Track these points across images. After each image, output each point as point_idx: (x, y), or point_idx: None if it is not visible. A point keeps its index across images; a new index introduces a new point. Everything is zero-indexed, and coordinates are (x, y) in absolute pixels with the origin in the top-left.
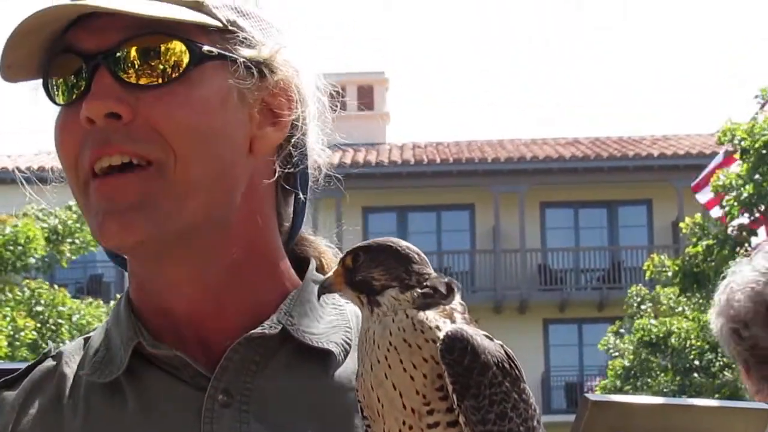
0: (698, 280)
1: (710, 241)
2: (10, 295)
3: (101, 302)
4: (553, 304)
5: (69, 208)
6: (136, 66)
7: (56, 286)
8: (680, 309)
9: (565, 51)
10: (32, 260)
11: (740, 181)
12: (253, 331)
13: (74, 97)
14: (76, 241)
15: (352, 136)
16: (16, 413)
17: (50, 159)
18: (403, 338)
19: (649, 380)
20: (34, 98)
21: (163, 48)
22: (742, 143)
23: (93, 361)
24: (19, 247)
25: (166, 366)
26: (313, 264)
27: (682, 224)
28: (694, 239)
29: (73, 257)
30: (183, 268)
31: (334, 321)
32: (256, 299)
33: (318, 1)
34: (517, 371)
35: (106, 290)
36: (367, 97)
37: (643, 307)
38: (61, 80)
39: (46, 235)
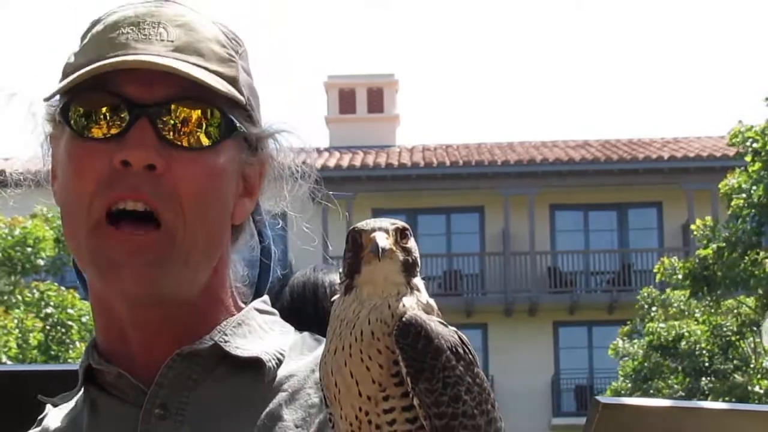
0: (708, 283)
1: (721, 244)
2: (19, 297)
3: None
4: (563, 306)
5: None
6: (178, 126)
7: (64, 288)
8: (691, 312)
9: (575, 53)
10: (41, 262)
11: (750, 183)
12: (183, 348)
13: (104, 135)
14: None
15: (362, 139)
16: None
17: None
18: (371, 330)
19: (660, 383)
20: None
21: (204, 115)
22: (754, 145)
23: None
24: (29, 249)
25: (115, 391)
26: (264, 297)
27: (693, 226)
28: (705, 242)
29: None
30: (157, 312)
31: (275, 341)
32: (202, 330)
33: (328, 4)
34: (470, 356)
35: None
36: (377, 99)
37: (653, 309)
38: (87, 113)
39: (55, 236)
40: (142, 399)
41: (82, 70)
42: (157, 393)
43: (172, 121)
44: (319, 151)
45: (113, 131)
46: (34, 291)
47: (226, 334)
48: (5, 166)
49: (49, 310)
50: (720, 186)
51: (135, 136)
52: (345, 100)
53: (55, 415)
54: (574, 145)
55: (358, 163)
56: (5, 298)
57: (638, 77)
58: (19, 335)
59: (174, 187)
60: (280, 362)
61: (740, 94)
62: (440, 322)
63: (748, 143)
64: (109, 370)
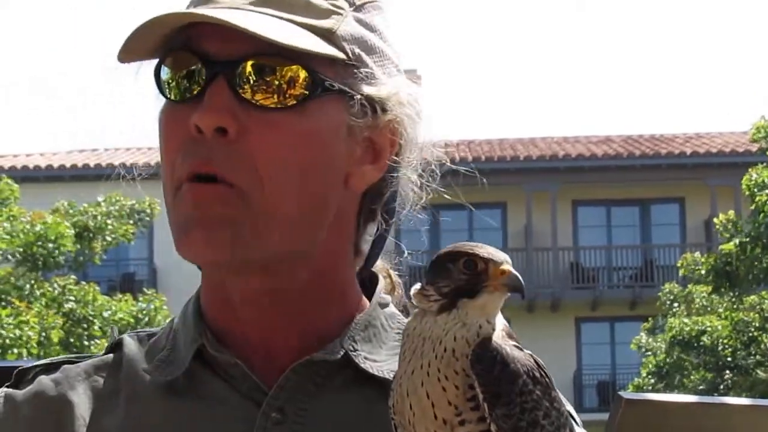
0: (731, 279)
1: (743, 239)
2: (39, 293)
3: (132, 298)
4: (585, 302)
5: (98, 204)
6: (256, 84)
7: (84, 283)
8: (713, 307)
9: (598, 48)
10: (62, 258)
11: None
12: (315, 354)
13: (186, 96)
14: (107, 237)
15: None
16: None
17: (83, 157)
18: (453, 348)
19: (683, 379)
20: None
21: (286, 72)
22: None
23: (157, 358)
24: (50, 244)
25: (225, 374)
26: (381, 285)
27: (716, 221)
28: (727, 237)
29: (104, 254)
30: (257, 283)
31: (397, 346)
32: (323, 322)
33: None
34: (547, 379)
35: (139, 288)
36: None
37: (676, 305)
38: (174, 74)
39: (76, 231)
40: (255, 392)
41: (139, 24)
42: (277, 395)
43: (251, 79)
44: None
45: (194, 92)
46: (55, 285)
47: (355, 341)
48: (41, 161)
49: (70, 305)
50: (743, 181)
51: (209, 97)
52: None
53: (153, 388)
54: (597, 141)
55: None
56: (27, 293)
57: (661, 72)
58: (42, 331)
59: (249, 154)
60: None
61: (763, 89)
62: (516, 346)
63: None
64: (226, 360)
